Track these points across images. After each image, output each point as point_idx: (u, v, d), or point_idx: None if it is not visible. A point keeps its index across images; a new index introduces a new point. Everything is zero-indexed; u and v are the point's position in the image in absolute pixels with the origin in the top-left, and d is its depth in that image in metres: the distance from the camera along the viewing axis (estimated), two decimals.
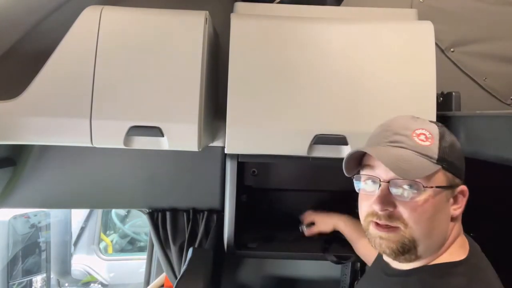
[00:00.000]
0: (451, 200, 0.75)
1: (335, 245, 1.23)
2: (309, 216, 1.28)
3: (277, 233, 1.29)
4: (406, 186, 0.72)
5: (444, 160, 0.72)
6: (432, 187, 0.72)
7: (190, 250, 1.24)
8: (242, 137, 1.02)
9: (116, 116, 0.98)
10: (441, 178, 0.73)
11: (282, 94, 1.02)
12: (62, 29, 0.99)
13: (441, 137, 0.74)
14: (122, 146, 0.99)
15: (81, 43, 0.99)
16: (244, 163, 1.37)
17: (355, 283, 1.54)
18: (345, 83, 1.03)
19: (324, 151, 1.03)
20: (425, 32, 1.06)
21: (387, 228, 0.73)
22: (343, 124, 1.02)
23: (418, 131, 0.74)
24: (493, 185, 1.14)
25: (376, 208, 0.73)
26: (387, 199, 0.73)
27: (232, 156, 1.14)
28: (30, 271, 2.27)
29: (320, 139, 1.02)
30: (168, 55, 0.99)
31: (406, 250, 0.72)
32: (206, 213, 1.35)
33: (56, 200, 1.33)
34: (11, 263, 2.16)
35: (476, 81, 1.46)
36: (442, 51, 1.44)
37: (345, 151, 1.03)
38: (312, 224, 1.26)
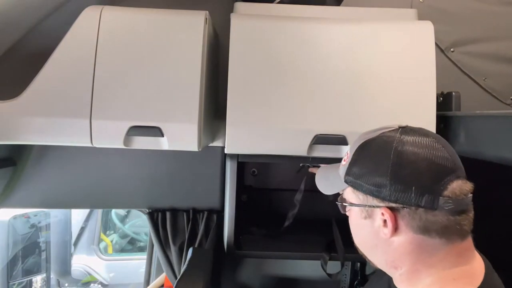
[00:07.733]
0: (377, 221, 0.69)
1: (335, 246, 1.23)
2: None
3: (277, 233, 1.29)
4: (338, 202, 0.78)
5: (349, 180, 0.73)
6: (347, 203, 0.75)
7: (190, 250, 1.24)
8: (242, 137, 1.02)
9: (116, 116, 0.98)
10: (352, 195, 0.74)
11: (282, 94, 1.02)
12: (62, 29, 0.99)
13: (354, 159, 0.73)
14: (122, 146, 0.99)
15: (81, 43, 0.99)
16: (244, 163, 1.37)
17: (355, 283, 1.54)
18: (345, 83, 1.03)
19: (324, 151, 1.03)
20: (425, 32, 1.06)
21: None
22: (343, 124, 1.02)
23: (347, 150, 0.78)
24: (493, 185, 1.14)
25: None
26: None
27: (232, 156, 1.14)
28: (30, 271, 2.27)
29: (320, 139, 1.02)
30: (168, 55, 0.99)
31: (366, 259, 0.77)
32: (206, 213, 1.35)
33: (56, 200, 1.33)
34: (11, 263, 2.16)
35: (476, 81, 1.46)
36: (442, 51, 1.44)
37: (345, 151, 1.02)
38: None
